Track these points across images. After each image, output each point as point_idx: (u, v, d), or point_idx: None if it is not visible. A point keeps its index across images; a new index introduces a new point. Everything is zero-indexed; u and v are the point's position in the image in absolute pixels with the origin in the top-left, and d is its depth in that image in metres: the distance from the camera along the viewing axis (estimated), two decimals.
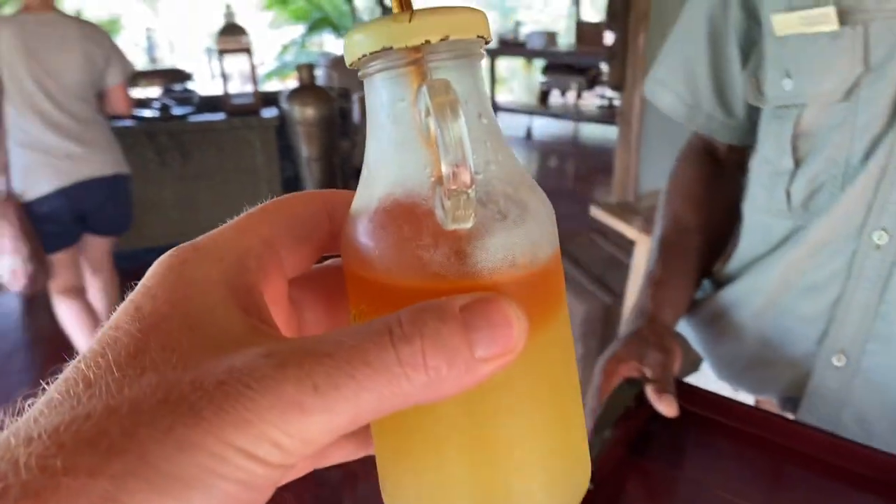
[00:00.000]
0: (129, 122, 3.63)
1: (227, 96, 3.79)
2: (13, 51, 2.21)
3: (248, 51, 3.70)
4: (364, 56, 0.25)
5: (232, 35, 3.66)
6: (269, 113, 3.80)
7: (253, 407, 0.20)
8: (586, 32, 7.04)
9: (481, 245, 0.25)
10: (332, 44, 8.42)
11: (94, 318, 2.53)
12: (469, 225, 0.24)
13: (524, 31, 7.72)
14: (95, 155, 2.39)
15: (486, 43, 0.26)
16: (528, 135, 7.43)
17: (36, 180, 2.30)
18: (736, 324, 0.92)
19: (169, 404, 0.20)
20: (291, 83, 9.78)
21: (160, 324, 0.23)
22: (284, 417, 0.20)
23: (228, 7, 3.80)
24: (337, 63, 6.42)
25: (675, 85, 0.97)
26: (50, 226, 2.34)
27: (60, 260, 2.43)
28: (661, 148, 3.18)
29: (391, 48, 0.24)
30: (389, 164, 0.26)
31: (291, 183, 4.23)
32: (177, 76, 3.75)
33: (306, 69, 3.68)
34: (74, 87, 2.34)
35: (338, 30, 8.10)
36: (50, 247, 2.36)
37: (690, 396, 0.78)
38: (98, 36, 2.41)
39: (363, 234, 0.26)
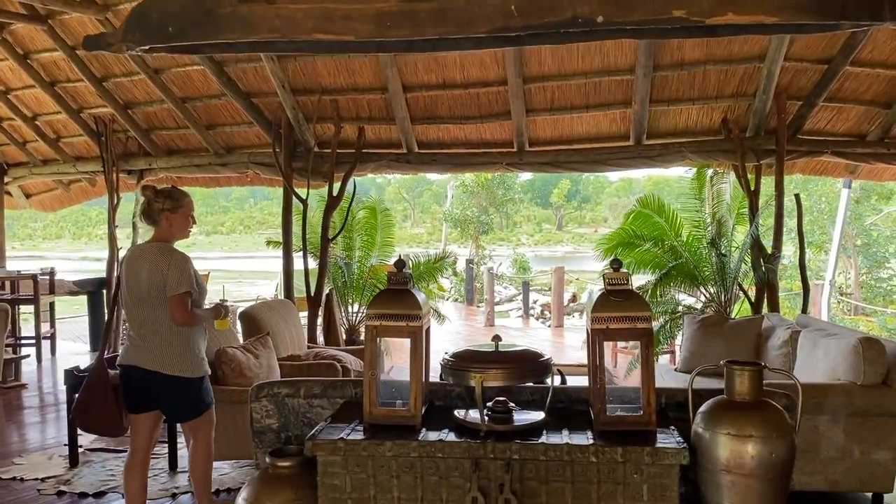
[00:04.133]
0: (451, 437, 2.37)
1: (600, 397, 2.37)
2: (124, 266, 3.50)
3: (647, 339, 2.31)
4: None
5: (623, 310, 2.31)
6: (669, 440, 2.27)
7: None
8: None
9: None
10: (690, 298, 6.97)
11: (137, 478, 3.55)
12: None
13: None
14: (149, 350, 3.40)
15: None
16: None
17: (121, 354, 3.54)
18: None
19: None
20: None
21: None
22: None
23: (611, 269, 2.50)
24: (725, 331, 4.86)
25: None
26: (126, 390, 3.50)
27: (135, 420, 3.53)
28: None
29: None
30: None
31: None
32: (534, 367, 2.43)
33: (751, 376, 2.15)
34: (144, 295, 3.37)
35: (698, 281, 6.63)
36: (128, 407, 3.52)
37: None
38: (165, 258, 3.37)
39: None
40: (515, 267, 23.52)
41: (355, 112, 7.15)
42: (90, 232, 39.98)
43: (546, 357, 2.50)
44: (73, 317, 12.41)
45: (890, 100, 6.48)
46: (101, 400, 3.50)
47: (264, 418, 2.93)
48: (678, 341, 6.70)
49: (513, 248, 34.29)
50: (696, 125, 6.73)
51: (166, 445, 4.66)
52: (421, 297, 2.56)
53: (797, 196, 6.52)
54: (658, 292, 6.57)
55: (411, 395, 2.48)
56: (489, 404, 2.51)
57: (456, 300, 18.29)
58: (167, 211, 3.46)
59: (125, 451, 5.01)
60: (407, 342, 2.51)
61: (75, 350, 9.46)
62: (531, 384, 2.72)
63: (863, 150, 6.80)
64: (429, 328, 2.64)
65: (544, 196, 48.28)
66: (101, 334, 9.19)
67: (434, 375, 2.67)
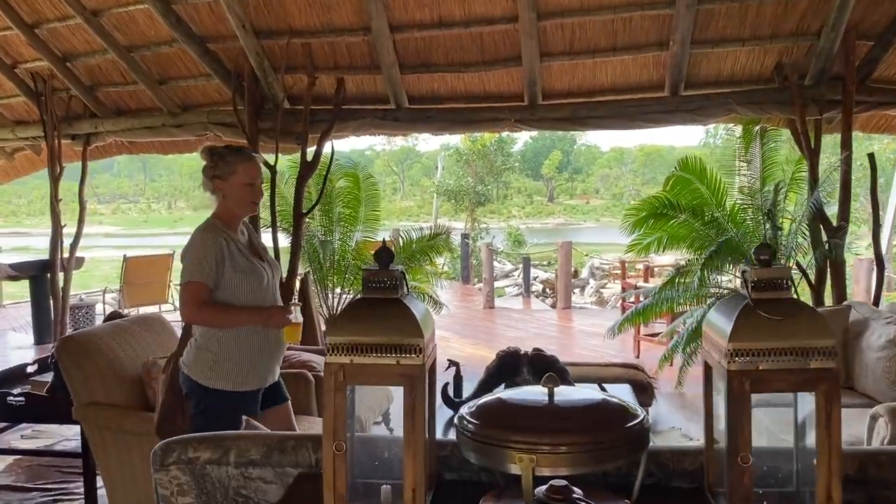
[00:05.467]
0: None
1: (742, 489, 1.34)
2: None
3: (830, 387, 1.23)
4: None
5: (784, 337, 1.26)
6: None
7: None
8: None
9: None
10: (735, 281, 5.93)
11: None
12: None
13: None
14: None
15: None
16: None
17: None
18: None
19: None
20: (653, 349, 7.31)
21: None
22: None
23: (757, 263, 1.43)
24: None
25: None
26: None
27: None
28: None
29: None
30: None
31: None
32: (623, 439, 1.40)
33: None
34: None
35: (746, 259, 5.61)
36: None
37: None
38: (192, 237, 2.85)
39: None
40: (511, 240, 22.46)
41: (333, 59, 6.03)
42: (74, 207, 39.01)
43: (640, 417, 1.46)
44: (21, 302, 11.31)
45: None
46: (181, 412, 2.88)
47: (175, 496, 1.90)
48: None
49: (504, 221, 33.36)
50: (745, 71, 5.65)
51: (81, 482, 3.63)
52: (420, 310, 1.51)
53: (871, 156, 5.52)
54: (706, 274, 5.50)
55: (406, 481, 1.44)
56: (540, 491, 1.48)
57: (451, 278, 17.27)
58: (217, 178, 2.85)
59: (35, 490, 4.02)
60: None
61: (18, 343, 8.39)
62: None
63: None
64: (434, 362, 1.60)
65: (535, 167, 47.61)
66: (43, 324, 8.10)
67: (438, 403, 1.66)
